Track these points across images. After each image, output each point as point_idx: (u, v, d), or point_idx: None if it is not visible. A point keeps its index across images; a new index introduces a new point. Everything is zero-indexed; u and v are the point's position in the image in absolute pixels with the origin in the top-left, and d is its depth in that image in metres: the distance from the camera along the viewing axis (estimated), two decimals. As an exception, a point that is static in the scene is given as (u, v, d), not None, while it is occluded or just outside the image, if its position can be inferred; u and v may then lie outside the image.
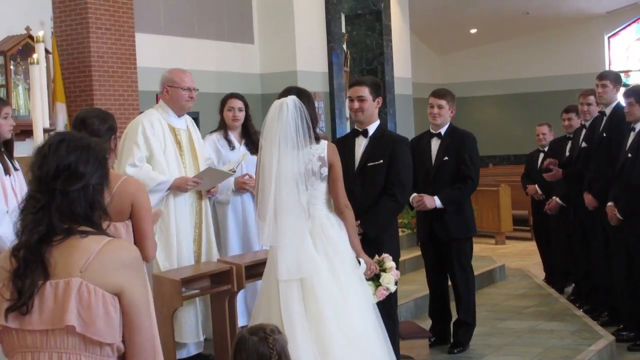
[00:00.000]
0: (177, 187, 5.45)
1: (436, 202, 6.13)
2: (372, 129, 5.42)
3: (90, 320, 2.67)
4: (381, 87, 5.61)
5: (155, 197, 5.28)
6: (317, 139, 4.57)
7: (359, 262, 4.62)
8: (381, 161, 5.33)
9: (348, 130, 14.36)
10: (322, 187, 4.57)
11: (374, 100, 5.37)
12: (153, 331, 2.78)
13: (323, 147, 4.56)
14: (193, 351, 5.63)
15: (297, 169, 4.41)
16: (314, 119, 4.56)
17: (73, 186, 2.76)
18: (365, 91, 5.34)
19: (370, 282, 4.70)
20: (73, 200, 2.75)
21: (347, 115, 14.68)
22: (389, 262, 4.83)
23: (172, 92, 5.54)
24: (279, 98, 4.55)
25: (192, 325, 5.49)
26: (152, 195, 5.21)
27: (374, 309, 4.57)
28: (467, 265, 6.38)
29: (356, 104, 5.35)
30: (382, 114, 15.24)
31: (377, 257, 4.86)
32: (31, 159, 2.85)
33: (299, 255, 4.37)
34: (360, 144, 5.42)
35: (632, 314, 6.82)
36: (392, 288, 4.79)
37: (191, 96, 5.58)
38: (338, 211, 4.61)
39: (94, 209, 2.82)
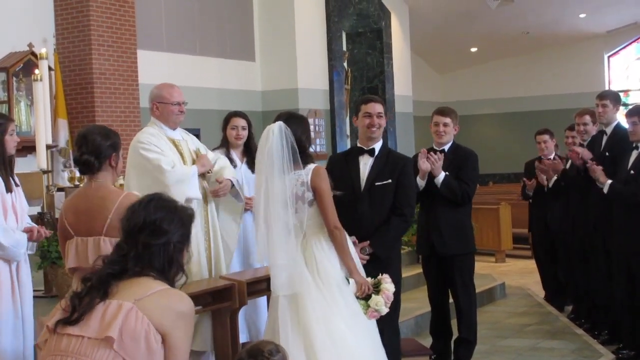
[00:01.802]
0: (204, 166, 5.47)
1: (441, 175, 6.13)
2: (377, 147, 5.47)
3: (129, 341, 2.82)
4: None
5: (193, 188, 5.26)
6: (307, 161, 4.64)
7: (348, 282, 4.61)
8: (389, 180, 5.37)
9: (349, 147, 14.39)
10: (310, 211, 4.62)
11: (385, 118, 5.50)
12: None
13: (307, 172, 4.62)
14: None
15: (283, 192, 4.50)
16: (304, 142, 4.65)
17: (155, 240, 2.99)
18: (382, 108, 5.47)
19: (362, 302, 4.65)
20: (153, 254, 2.98)
21: (348, 133, 14.71)
22: (385, 284, 4.74)
23: (162, 108, 5.47)
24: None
25: (205, 334, 5.44)
26: (192, 188, 5.22)
27: (367, 331, 4.58)
28: (469, 282, 6.37)
29: (376, 120, 5.41)
30: (383, 131, 15.29)
31: (379, 276, 4.80)
32: (122, 214, 3.13)
33: (291, 271, 4.47)
34: (366, 163, 5.44)
35: (633, 333, 6.81)
36: (383, 310, 4.69)
37: (181, 110, 5.51)
38: (328, 232, 4.64)
39: (171, 265, 3.04)
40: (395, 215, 5.36)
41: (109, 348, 2.79)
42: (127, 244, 2.98)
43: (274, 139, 4.50)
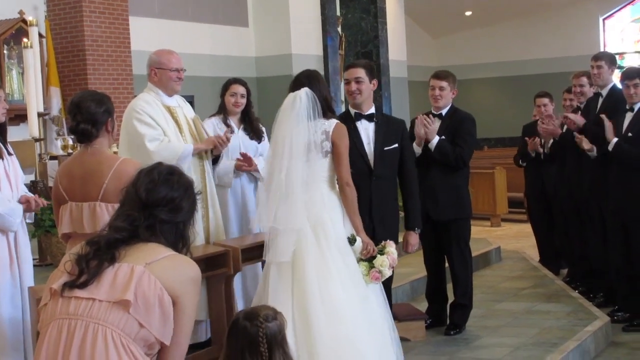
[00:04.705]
0: (213, 145, 5.52)
1: (435, 139, 6.15)
2: (373, 112, 5.46)
3: (143, 306, 2.80)
4: (375, 70, 5.64)
5: (184, 166, 5.23)
6: (332, 116, 4.76)
7: (355, 240, 4.63)
8: (396, 145, 5.44)
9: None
10: (324, 163, 4.65)
11: (370, 82, 5.39)
12: (185, 350, 2.99)
13: (330, 124, 4.69)
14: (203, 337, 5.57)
15: (304, 146, 4.55)
16: (329, 99, 4.79)
17: (173, 218, 2.99)
18: (361, 72, 5.37)
19: (365, 263, 4.70)
20: (165, 229, 2.98)
21: (342, 99, 14.64)
22: (389, 248, 4.83)
23: (160, 74, 5.46)
24: (290, 89, 4.76)
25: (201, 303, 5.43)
26: (182, 164, 5.17)
27: (367, 296, 4.60)
28: (464, 247, 6.37)
29: (354, 86, 5.36)
30: (377, 96, 15.22)
31: (383, 242, 4.87)
32: (134, 177, 3.05)
33: (299, 236, 4.48)
34: (367, 128, 5.42)
35: (627, 296, 6.84)
36: (386, 272, 4.74)
37: (179, 77, 5.50)
38: (340, 188, 4.70)
39: (180, 241, 3.04)
40: (412, 184, 5.60)
41: (124, 311, 2.77)
42: (142, 215, 2.95)
43: (302, 105, 4.59)
